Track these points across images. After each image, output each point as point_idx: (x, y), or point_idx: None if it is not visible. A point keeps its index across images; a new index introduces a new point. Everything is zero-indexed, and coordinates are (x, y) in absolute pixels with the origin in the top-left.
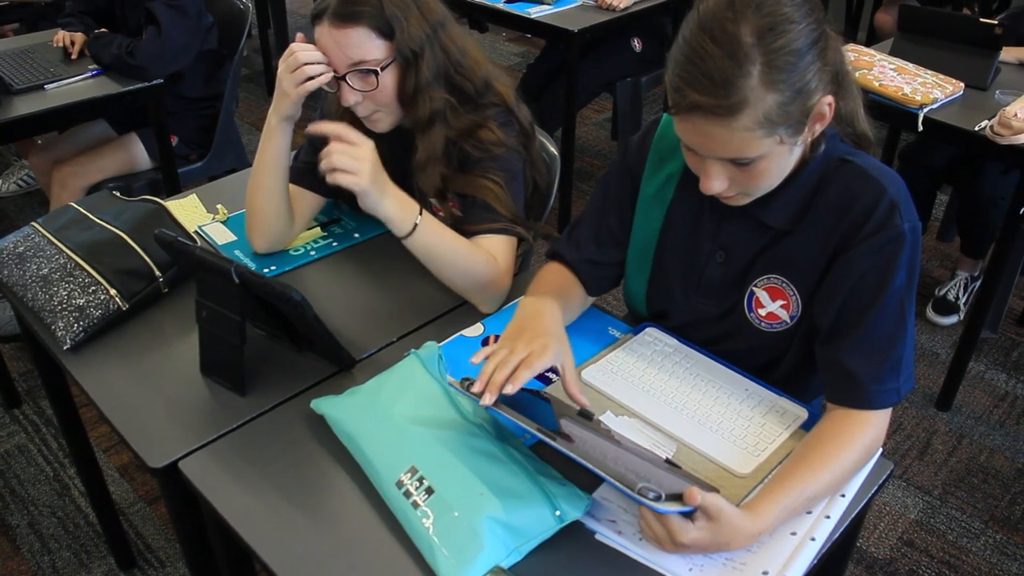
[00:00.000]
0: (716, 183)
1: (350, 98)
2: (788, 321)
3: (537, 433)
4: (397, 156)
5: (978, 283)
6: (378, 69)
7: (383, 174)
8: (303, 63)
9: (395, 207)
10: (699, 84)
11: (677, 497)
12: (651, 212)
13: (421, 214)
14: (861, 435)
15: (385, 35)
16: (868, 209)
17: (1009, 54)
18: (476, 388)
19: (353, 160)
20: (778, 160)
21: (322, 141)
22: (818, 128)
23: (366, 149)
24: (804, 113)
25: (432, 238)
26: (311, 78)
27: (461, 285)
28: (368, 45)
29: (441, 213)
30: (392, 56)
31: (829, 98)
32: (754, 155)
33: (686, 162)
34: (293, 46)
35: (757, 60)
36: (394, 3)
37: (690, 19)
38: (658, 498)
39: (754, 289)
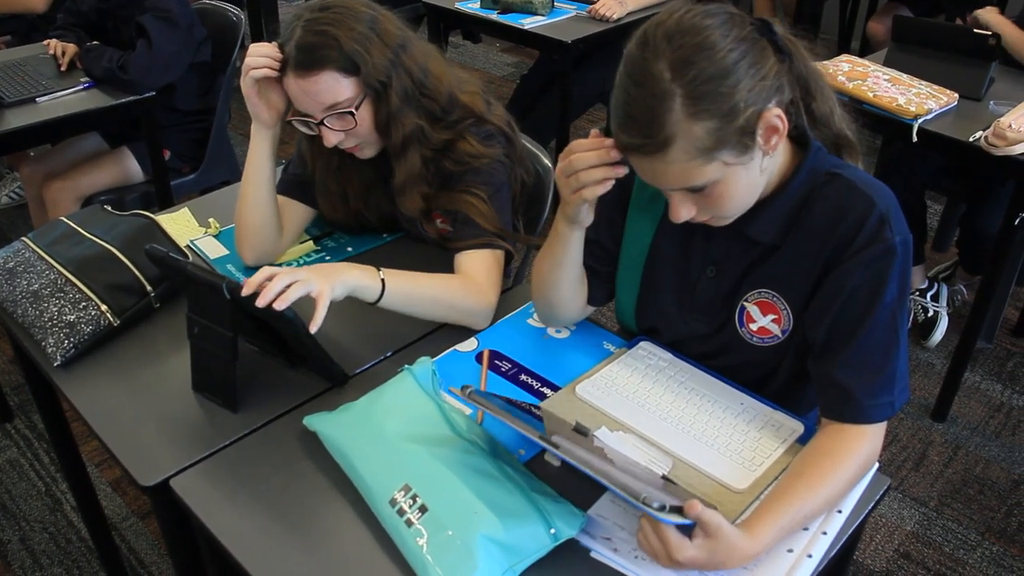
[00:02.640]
0: (682, 211)
1: (332, 139)
2: (780, 335)
3: (540, 441)
4: (384, 179)
5: (948, 287)
6: (353, 110)
7: (324, 266)
8: (248, 64)
9: (358, 274)
10: (627, 126)
11: (678, 509)
12: (641, 227)
13: (380, 270)
14: (856, 450)
15: (351, 73)
16: (858, 223)
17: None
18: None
19: (301, 284)
20: (735, 180)
21: (311, 155)
22: (775, 140)
23: (290, 271)
24: (744, 131)
25: (403, 287)
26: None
27: (447, 317)
28: (337, 87)
29: (430, 232)
30: (362, 92)
31: (776, 110)
32: (701, 182)
33: None
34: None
35: (676, 94)
36: (353, 38)
37: (620, 63)
38: (662, 508)
39: (745, 304)
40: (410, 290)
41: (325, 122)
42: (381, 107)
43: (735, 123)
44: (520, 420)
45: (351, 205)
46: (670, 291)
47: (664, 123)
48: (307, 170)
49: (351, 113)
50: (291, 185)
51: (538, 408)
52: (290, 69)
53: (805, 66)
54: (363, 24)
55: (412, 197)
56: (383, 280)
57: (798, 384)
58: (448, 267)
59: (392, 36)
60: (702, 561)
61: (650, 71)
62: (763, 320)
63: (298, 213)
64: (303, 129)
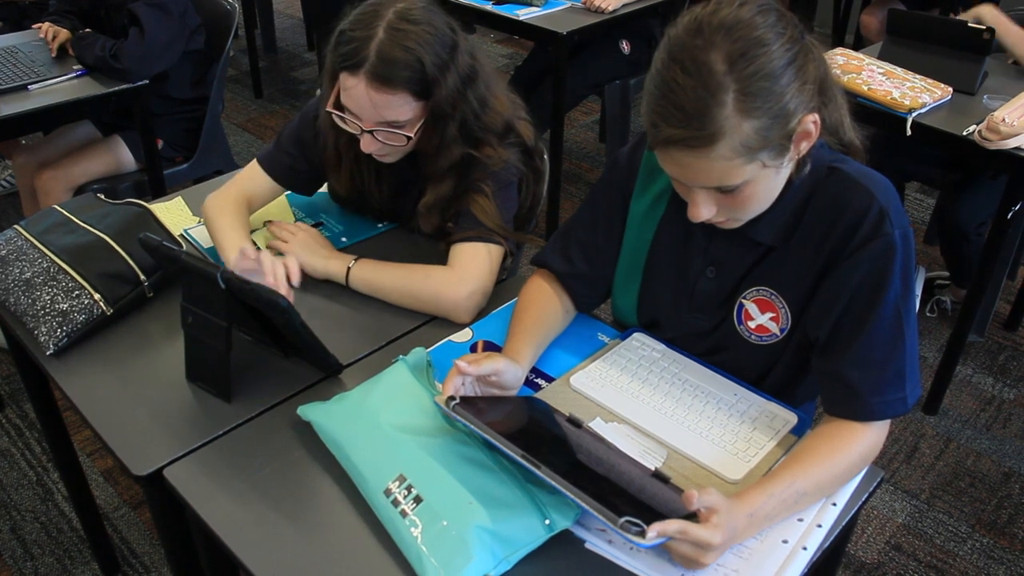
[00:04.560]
0: (704, 211)
1: (371, 148)
2: (778, 334)
3: (521, 460)
4: (399, 171)
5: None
6: (411, 135)
7: (312, 244)
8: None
9: (325, 265)
10: (672, 117)
11: (658, 514)
12: (642, 228)
13: (352, 261)
14: (858, 442)
15: (422, 97)
16: (858, 218)
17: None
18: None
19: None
20: (764, 183)
21: (333, 131)
22: (804, 146)
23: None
24: (786, 135)
25: (368, 277)
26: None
27: (421, 308)
28: (404, 108)
29: (440, 246)
30: (424, 116)
31: (813, 116)
32: (737, 182)
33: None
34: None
35: (730, 88)
36: (435, 64)
37: (661, 48)
38: (640, 533)
39: (743, 301)
40: (374, 280)
41: (374, 132)
42: (435, 134)
43: (783, 125)
44: (504, 439)
45: (361, 183)
46: (669, 290)
47: (714, 117)
48: (304, 159)
49: (407, 137)
50: (279, 169)
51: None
52: (362, 72)
53: (824, 72)
54: (446, 50)
55: (434, 218)
56: (349, 268)
57: (794, 380)
58: (440, 258)
59: (465, 65)
60: (726, 535)
61: (703, 61)
62: (761, 318)
63: (273, 191)
64: (341, 124)
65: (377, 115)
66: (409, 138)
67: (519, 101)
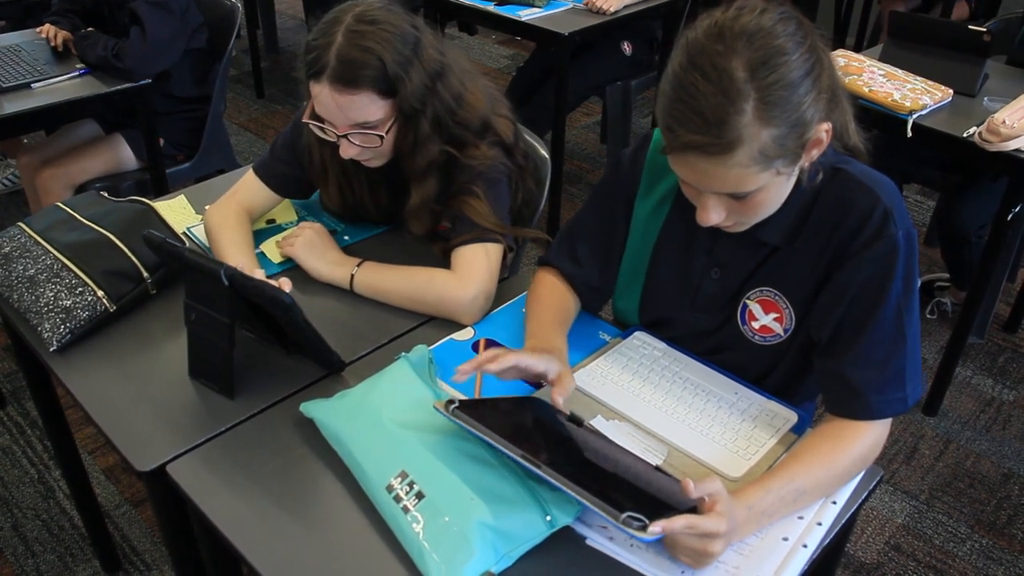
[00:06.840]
0: (713, 215)
1: (350, 152)
2: (782, 334)
3: (521, 460)
4: (389, 177)
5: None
6: (383, 134)
7: (316, 245)
8: None
9: (329, 271)
10: (691, 123)
11: (666, 506)
12: (646, 230)
13: (356, 265)
14: (859, 441)
15: (388, 95)
16: (862, 219)
17: None
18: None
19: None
20: (775, 190)
21: (318, 146)
22: (815, 154)
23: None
24: (800, 145)
25: (372, 281)
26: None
27: (424, 311)
28: (371, 107)
29: (435, 250)
30: (394, 115)
31: (826, 125)
32: (751, 189)
33: (682, 190)
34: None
35: (751, 96)
36: (397, 61)
37: (678, 50)
38: (643, 527)
39: (747, 302)
40: (378, 285)
41: (348, 136)
42: (409, 131)
43: (800, 134)
44: (503, 439)
45: (352, 197)
46: (672, 291)
47: (734, 124)
48: (298, 166)
49: (380, 136)
50: (275, 177)
51: (533, 397)
52: (325, 78)
53: (835, 80)
54: (408, 47)
55: (423, 220)
56: (352, 275)
57: (795, 381)
58: (441, 259)
59: (432, 61)
60: (727, 527)
61: (724, 68)
62: (765, 318)
63: (272, 200)
64: (319, 134)
65: (346, 118)
66: (382, 138)
67: (500, 97)
